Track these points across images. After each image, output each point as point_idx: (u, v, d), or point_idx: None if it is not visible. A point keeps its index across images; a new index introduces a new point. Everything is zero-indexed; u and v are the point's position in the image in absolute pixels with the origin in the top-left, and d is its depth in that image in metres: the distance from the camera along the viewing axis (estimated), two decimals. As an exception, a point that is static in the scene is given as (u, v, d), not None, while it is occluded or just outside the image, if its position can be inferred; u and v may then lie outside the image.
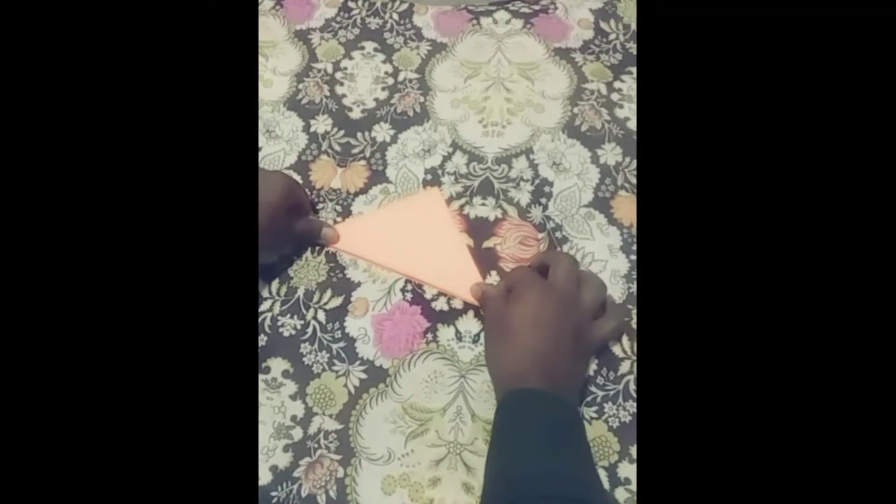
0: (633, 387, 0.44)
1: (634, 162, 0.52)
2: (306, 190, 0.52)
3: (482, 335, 0.46)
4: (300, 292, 0.48)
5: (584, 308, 0.42)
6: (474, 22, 0.61)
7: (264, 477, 0.42)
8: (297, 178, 0.53)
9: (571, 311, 0.42)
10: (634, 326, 0.46)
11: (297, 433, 0.44)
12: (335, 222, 0.51)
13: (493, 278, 0.48)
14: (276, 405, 0.44)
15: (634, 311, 0.46)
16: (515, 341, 0.40)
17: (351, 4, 0.63)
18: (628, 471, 0.41)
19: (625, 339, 0.45)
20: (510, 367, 0.40)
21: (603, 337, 0.44)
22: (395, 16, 0.62)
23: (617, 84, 0.56)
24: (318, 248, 0.50)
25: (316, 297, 0.48)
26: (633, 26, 0.60)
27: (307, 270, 0.49)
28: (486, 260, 0.49)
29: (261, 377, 0.45)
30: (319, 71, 0.59)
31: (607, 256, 0.48)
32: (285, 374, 0.45)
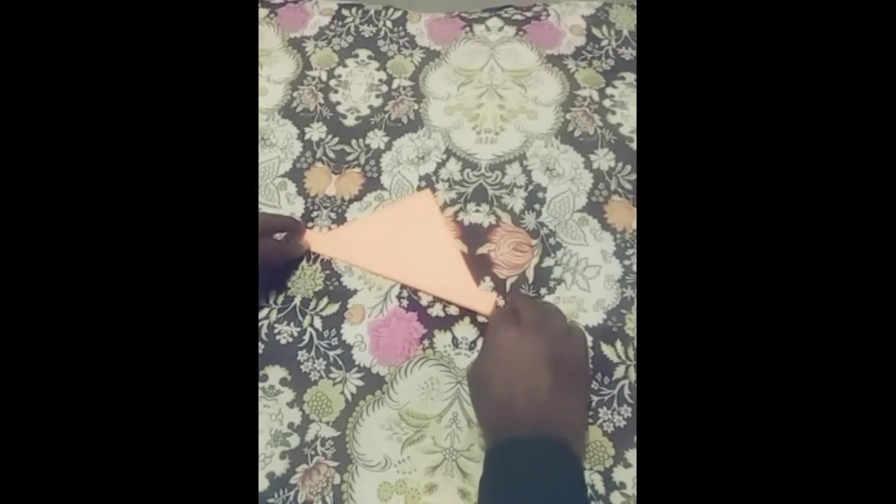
0: (627, 392, 0.44)
1: (628, 167, 0.53)
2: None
3: (478, 342, 0.46)
4: (297, 300, 0.48)
5: (553, 338, 0.40)
6: (467, 29, 0.61)
7: (261, 484, 0.42)
8: (293, 186, 0.53)
9: (542, 345, 0.40)
10: (629, 332, 0.46)
11: (294, 440, 0.44)
12: (329, 229, 0.51)
13: (487, 284, 0.48)
14: (273, 412, 0.45)
15: (628, 317, 0.46)
16: (494, 391, 0.39)
17: (345, 12, 0.63)
18: (623, 475, 0.41)
19: (619, 343, 0.46)
20: (496, 418, 0.39)
21: (581, 360, 0.42)
22: (389, 23, 0.63)
23: (609, 90, 0.57)
24: (313, 256, 0.50)
25: (312, 305, 0.48)
26: (625, 32, 0.60)
27: (304, 280, 0.49)
28: (480, 266, 0.49)
29: (258, 385, 0.46)
30: (314, 79, 0.59)
31: (601, 262, 0.49)
32: (283, 381, 0.46)
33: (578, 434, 0.40)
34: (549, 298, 0.47)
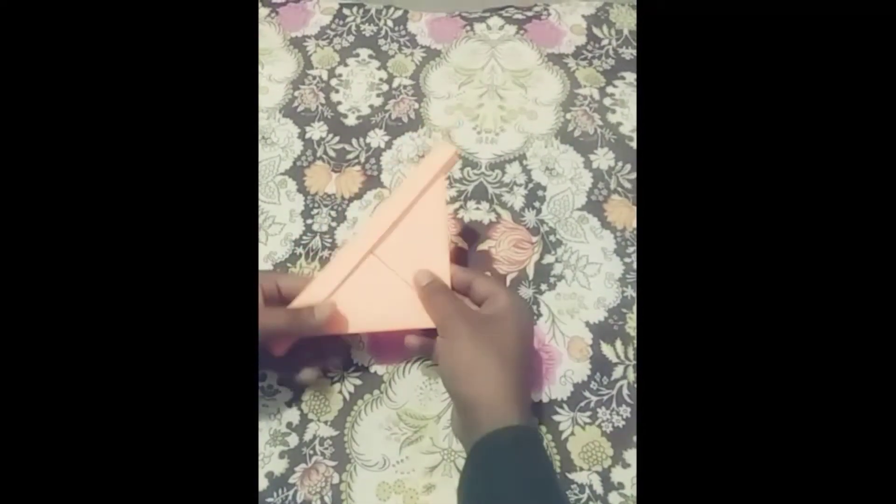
0: (626, 392, 0.44)
1: (627, 166, 0.53)
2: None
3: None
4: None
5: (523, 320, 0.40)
6: (468, 28, 0.61)
7: (261, 483, 0.42)
8: (293, 183, 0.53)
9: (519, 329, 0.39)
10: (629, 330, 0.46)
11: (293, 440, 0.44)
12: (330, 227, 0.51)
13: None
14: (271, 412, 0.45)
15: (629, 315, 0.46)
16: (477, 380, 0.36)
17: (346, 12, 0.63)
18: (621, 475, 0.41)
19: (618, 343, 0.45)
20: (485, 407, 0.36)
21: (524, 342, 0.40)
22: (390, 23, 0.62)
23: (609, 89, 0.57)
24: (311, 254, 0.50)
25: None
26: (626, 32, 0.60)
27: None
28: (480, 262, 0.49)
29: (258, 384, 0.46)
30: (315, 78, 0.59)
31: (601, 259, 0.49)
32: (281, 380, 0.46)
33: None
34: (549, 294, 0.47)
